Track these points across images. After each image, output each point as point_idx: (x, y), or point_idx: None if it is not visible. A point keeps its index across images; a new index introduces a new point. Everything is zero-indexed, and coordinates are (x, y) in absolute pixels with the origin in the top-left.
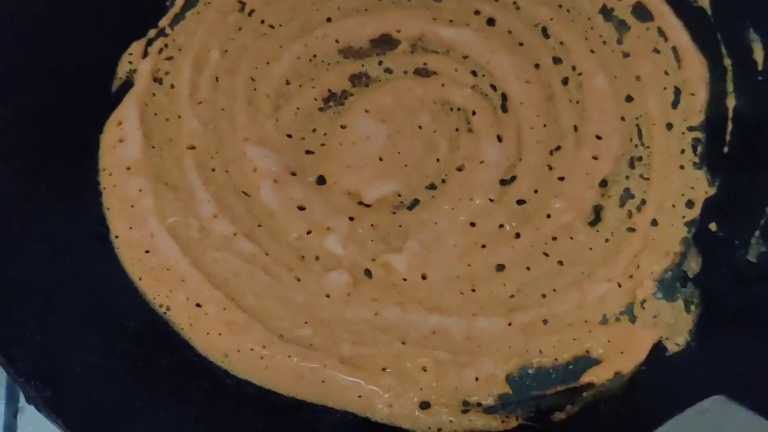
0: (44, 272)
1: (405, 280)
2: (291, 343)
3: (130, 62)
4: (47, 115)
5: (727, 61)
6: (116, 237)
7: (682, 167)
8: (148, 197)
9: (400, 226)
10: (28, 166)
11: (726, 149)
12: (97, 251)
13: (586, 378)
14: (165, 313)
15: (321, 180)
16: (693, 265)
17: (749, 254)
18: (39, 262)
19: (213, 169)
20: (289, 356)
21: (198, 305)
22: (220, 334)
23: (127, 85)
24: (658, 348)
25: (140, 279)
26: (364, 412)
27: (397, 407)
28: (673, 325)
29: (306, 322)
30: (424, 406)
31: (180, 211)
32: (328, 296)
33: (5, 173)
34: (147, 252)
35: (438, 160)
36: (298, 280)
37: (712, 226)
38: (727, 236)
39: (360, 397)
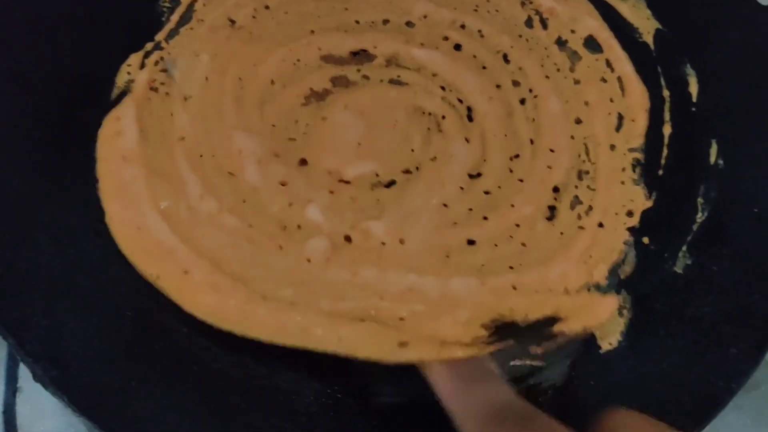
0: (49, 262)
1: (383, 244)
2: (273, 301)
3: (129, 73)
4: (52, 118)
5: (665, 93)
6: (110, 219)
7: (623, 182)
8: (141, 183)
9: (378, 200)
10: (33, 164)
11: (661, 172)
12: (96, 244)
13: (557, 328)
14: (155, 281)
15: (303, 162)
16: (627, 269)
17: (677, 266)
18: (43, 252)
19: (201, 155)
20: (271, 311)
21: (185, 272)
22: (205, 294)
23: (125, 93)
24: (593, 347)
25: (132, 253)
26: (346, 352)
27: (378, 346)
28: (608, 326)
29: (287, 284)
30: (403, 345)
31: (170, 195)
32: (309, 261)
33: (13, 170)
34: (138, 229)
35: (413, 150)
36: (281, 248)
37: (645, 240)
38: (658, 249)
39: (341, 339)
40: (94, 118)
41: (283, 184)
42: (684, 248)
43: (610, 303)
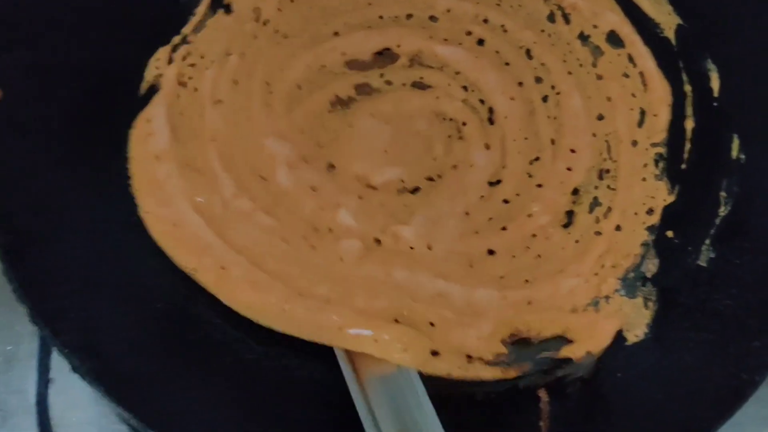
0: (83, 254)
1: (412, 248)
2: (310, 299)
3: (157, 67)
4: (81, 111)
5: (687, 88)
6: (145, 213)
7: (644, 179)
8: (176, 179)
9: (405, 205)
10: (65, 158)
11: (684, 166)
12: (129, 237)
13: (563, 353)
14: (193, 274)
15: (331, 167)
16: (651, 267)
17: (700, 259)
18: (78, 245)
19: (233, 157)
20: (308, 310)
21: (223, 267)
22: (244, 291)
23: (154, 88)
24: (620, 338)
25: (169, 247)
26: (381, 354)
27: (411, 352)
28: (634, 318)
29: (322, 281)
30: (435, 354)
31: (204, 191)
32: (341, 260)
33: (46, 163)
34: (175, 225)
35: (434, 159)
36: (314, 247)
37: (669, 233)
38: (681, 243)
39: (376, 342)
40: (123, 112)
41: (313, 189)
42: (707, 242)
43: (611, 327)
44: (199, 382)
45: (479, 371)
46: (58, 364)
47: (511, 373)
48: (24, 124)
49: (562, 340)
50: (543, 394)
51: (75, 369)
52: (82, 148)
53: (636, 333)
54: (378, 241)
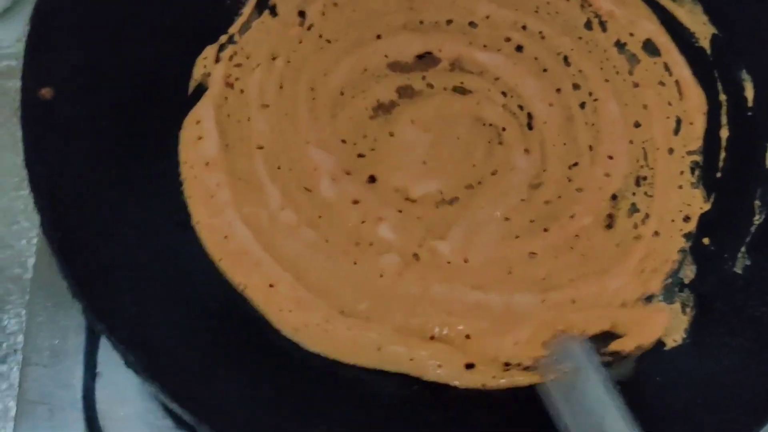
0: (134, 253)
1: (449, 263)
2: (350, 317)
3: (205, 66)
4: (131, 111)
5: (722, 97)
6: (197, 223)
7: (680, 187)
8: (226, 190)
9: (443, 218)
10: (116, 157)
11: (719, 175)
12: (179, 236)
13: (613, 347)
14: (242, 291)
15: (372, 179)
16: (688, 273)
17: (736, 266)
18: (129, 244)
19: (279, 167)
20: (349, 329)
21: (271, 285)
22: (290, 311)
23: (202, 87)
24: (659, 343)
25: (220, 260)
26: (416, 372)
27: (446, 368)
28: (672, 324)
29: (363, 298)
30: (469, 366)
31: (252, 203)
32: (381, 276)
33: (97, 162)
34: (225, 237)
35: (474, 165)
36: (355, 263)
37: (705, 241)
38: (717, 250)
39: (412, 360)
40: (172, 111)
41: (355, 202)
42: (743, 249)
43: (662, 319)
44: (250, 380)
45: (516, 378)
46: (105, 358)
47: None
48: (75, 123)
49: (609, 336)
50: None
51: (130, 365)
52: (133, 147)
53: (674, 338)
54: (416, 256)
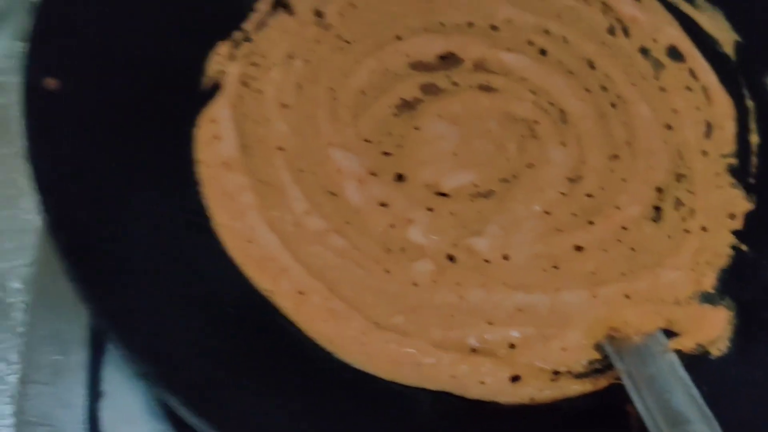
0: (150, 256)
1: (487, 261)
2: (387, 331)
3: (218, 62)
4: (143, 106)
5: (749, 103)
6: (218, 225)
7: (719, 187)
8: (248, 193)
9: (478, 212)
10: (128, 154)
11: (752, 180)
12: (196, 238)
13: (672, 345)
14: (270, 296)
15: (399, 177)
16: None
17: None
18: (142, 245)
19: (301, 170)
20: (386, 343)
21: (301, 293)
22: (324, 320)
23: (215, 84)
24: (704, 352)
25: (244, 265)
26: (458, 390)
27: (489, 383)
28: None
29: (398, 311)
30: (515, 379)
31: (276, 206)
32: (415, 285)
33: (107, 158)
34: (249, 242)
35: (507, 159)
36: (387, 271)
37: (744, 247)
38: (756, 257)
39: (453, 377)
40: (185, 107)
41: (383, 205)
42: None
43: (721, 316)
44: (276, 391)
45: (566, 388)
46: (110, 375)
47: (603, 383)
48: (83, 116)
49: (666, 333)
50: (632, 410)
51: (145, 376)
52: (145, 144)
53: (719, 347)
54: (451, 258)
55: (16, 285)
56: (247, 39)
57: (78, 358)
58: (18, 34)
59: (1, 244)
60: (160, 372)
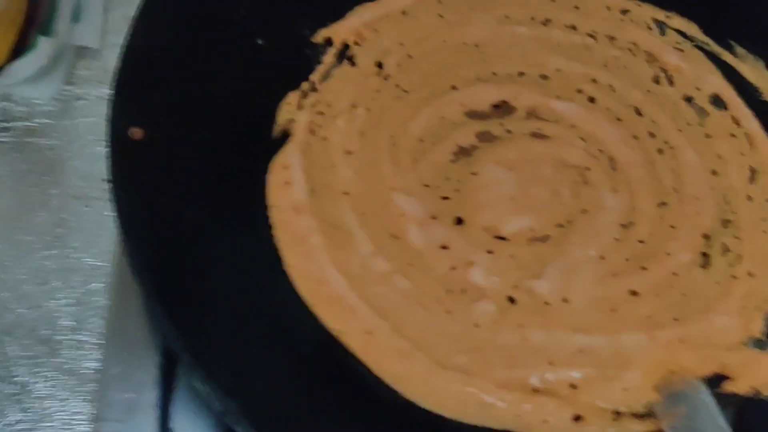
0: (229, 297)
1: (547, 303)
2: (450, 370)
3: (289, 111)
4: (220, 154)
5: None
6: (290, 267)
7: (765, 232)
8: (317, 235)
9: (537, 256)
10: (205, 198)
11: None
12: (271, 280)
13: (727, 388)
14: (339, 336)
15: (458, 221)
16: None
17: None
18: (224, 287)
19: (365, 213)
20: (450, 382)
21: (368, 333)
22: (390, 360)
23: (286, 132)
24: (756, 394)
25: (315, 305)
26: (522, 429)
27: (553, 422)
28: None
29: (461, 351)
30: (578, 419)
31: (343, 248)
32: (477, 325)
33: (187, 204)
34: (319, 283)
35: (562, 204)
36: (449, 312)
37: None
38: None
39: (517, 416)
40: (258, 155)
41: (443, 247)
42: None
43: None
44: (346, 428)
45: (627, 428)
46: (178, 414)
47: (665, 424)
48: (165, 164)
49: (719, 378)
50: None
51: (228, 414)
52: (221, 189)
53: None
54: (512, 300)
55: (66, 323)
56: (314, 89)
57: (150, 396)
58: (66, 78)
59: (50, 282)
60: (244, 408)
